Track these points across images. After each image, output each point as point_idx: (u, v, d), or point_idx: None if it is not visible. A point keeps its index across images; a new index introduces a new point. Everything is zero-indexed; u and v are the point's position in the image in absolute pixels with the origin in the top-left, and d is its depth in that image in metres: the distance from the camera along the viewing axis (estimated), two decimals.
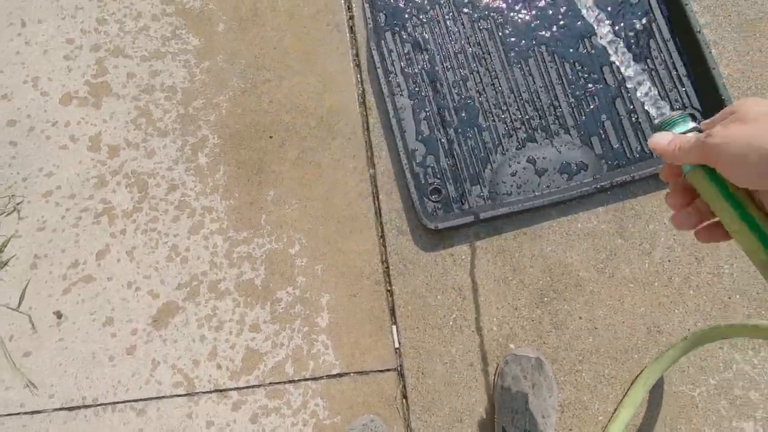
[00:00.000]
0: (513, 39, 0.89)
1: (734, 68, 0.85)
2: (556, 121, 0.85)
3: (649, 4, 0.86)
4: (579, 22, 0.88)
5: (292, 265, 0.89)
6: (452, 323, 0.82)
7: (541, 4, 0.90)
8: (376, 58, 0.89)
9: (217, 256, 0.91)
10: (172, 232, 0.93)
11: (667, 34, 0.85)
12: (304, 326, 0.86)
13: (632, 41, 0.86)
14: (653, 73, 0.84)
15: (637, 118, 0.84)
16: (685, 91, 0.83)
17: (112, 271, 0.92)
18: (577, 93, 0.86)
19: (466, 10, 0.91)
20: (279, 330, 0.87)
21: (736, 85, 0.84)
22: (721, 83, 0.79)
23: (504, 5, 0.91)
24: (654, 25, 0.86)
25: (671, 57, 0.84)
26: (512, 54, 0.88)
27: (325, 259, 0.88)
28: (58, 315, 0.92)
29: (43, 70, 1.01)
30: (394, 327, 0.84)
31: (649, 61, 0.85)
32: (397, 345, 0.84)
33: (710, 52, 0.81)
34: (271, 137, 0.93)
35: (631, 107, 0.84)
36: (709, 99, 0.81)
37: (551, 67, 0.87)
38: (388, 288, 0.86)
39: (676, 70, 0.84)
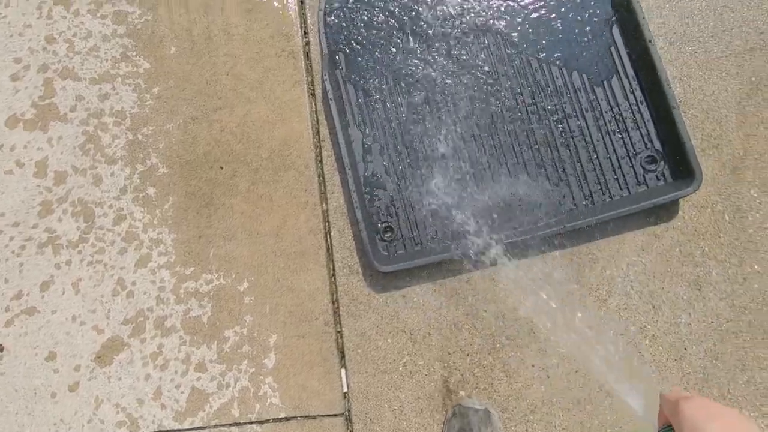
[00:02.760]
0: (473, 73, 0.85)
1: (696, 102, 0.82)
2: (515, 162, 0.82)
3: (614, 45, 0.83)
4: (536, 65, 0.84)
5: (240, 303, 0.86)
6: (402, 368, 0.80)
7: (509, 40, 0.86)
8: (329, 87, 0.85)
9: (164, 291, 0.88)
10: (118, 264, 0.89)
11: (631, 72, 0.82)
12: (251, 367, 0.84)
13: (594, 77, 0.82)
14: (615, 111, 0.81)
15: (599, 163, 0.81)
16: (647, 131, 0.80)
17: (57, 304, 0.89)
18: (538, 135, 0.82)
19: (425, 43, 0.87)
20: (225, 370, 0.84)
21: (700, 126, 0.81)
22: (681, 122, 0.76)
23: (465, 37, 0.87)
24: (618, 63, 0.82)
25: (634, 98, 0.81)
26: (473, 89, 0.85)
27: (273, 297, 0.85)
28: (0, 348, 0.89)
29: None
30: (342, 370, 0.82)
31: (612, 101, 0.81)
32: (345, 389, 0.81)
33: (670, 88, 0.78)
34: (222, 168, 0.90)
35: (594, 154, 0.81)
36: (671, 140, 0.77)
37: (513, 108, 0.84)
38: (338, 329, 0.83)
39: (640, 112, 0.81)
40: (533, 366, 0.78)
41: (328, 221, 0.86)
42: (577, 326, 0.78)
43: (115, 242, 0.90)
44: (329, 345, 0.83)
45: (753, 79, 0.80)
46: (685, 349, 0.76)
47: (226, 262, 0.87)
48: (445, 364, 0.79)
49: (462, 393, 0.78)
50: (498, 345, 0.79)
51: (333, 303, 0.84)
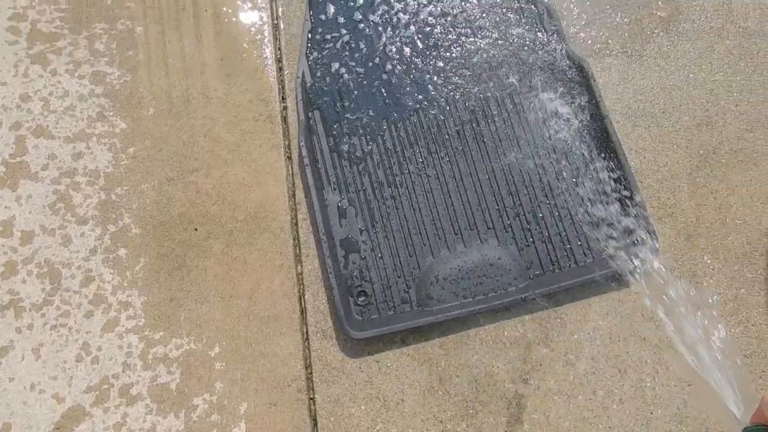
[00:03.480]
0: (445, 139, 0.89)
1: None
2: (486, 227, 0.85)
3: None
4: (512, 131, 0.89)
5: (210, 369, 0.84)
6: None
7: (485, 100, 0.91)
8: (305, 152, 0.87)
9: (131, 356, 0.85)
10: (84, 328, 0.87)
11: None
12: None
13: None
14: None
15: (564, 228, 0.84)
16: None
17: (15, 371, 0.85)
18: (508, 200, 0.86)
19: (402, 110, 0.91)
20: None
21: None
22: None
23: (437, 105, 0.91)
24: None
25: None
26: (443, 155, 0.89)
27: (245, 363, 0.84)
28: None
29: None
30: None
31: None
32: None
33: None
34: (196, 229, 0.90)
35: (558, 217, 0.85)
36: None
37: (483, 172, 0.88)
38: (311, 396, 0.82)
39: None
40: None
41: (302, 284, 0.86)
42: (548, 390, 0.79)
43: (81, 305, 0.88)
44: (302, 413, 0.81)
45: (701, 152, 0.87)
46: (651, 413, 0.78)
47: (198, 326, 0.86)
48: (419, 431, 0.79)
49: None
50: (471, 411, 0.79)
51: (306, 368, 0.83)
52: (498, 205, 0.86)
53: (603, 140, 0.85)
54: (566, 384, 0.80)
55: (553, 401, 0.79)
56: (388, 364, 0.82)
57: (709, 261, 0.83)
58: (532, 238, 0.84)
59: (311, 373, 0.83)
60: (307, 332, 0.84)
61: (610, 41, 0.93)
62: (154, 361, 0.85)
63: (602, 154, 0.86)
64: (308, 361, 0.83)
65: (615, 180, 0.85)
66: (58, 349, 0.86)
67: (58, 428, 0.83)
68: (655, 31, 0.93)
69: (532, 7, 0.94)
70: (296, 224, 0.89)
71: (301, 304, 0.86)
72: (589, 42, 0.94)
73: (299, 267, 0.87)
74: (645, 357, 0.80)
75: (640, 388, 0.79)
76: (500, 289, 0.82)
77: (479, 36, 0.94)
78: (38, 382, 0.85)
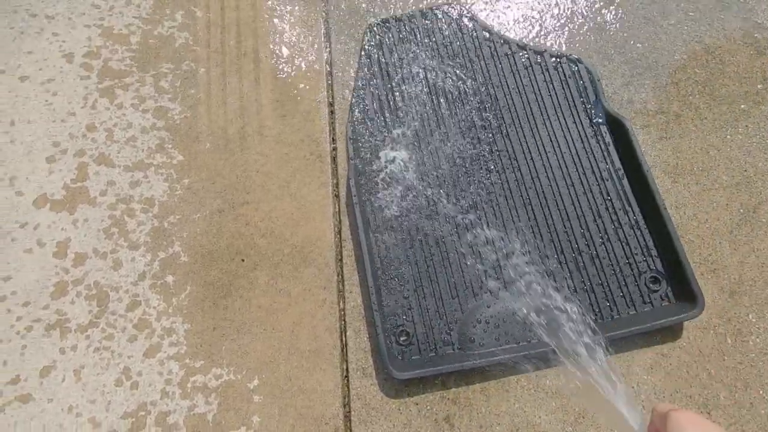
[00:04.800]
0: (488, 186, 0.93)
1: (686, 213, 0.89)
2: (526, 275, 0.86)
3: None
4: (551, 183, 0.92)
5: (248, 402, 0.84)
6: None
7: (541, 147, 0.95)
8: (354, 192, 0.91)
9: (170, 384, 0.86)
10: (126, 353, 0.88)
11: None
12: None
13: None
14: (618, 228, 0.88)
15: (606, 279, 0.85)
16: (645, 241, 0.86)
17: (54, 392, 0.86)
18: (549, 249, 0.88)
19: (450, 151, 0.95)
20: None
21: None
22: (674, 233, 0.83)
23: (489, 141, 0.95)
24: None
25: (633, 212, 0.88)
26: (487, 202, 0.92)
27: (284, 398, 0.84)
28: None
29: (23, 170, 1.00)
30: None
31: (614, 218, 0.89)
32: None
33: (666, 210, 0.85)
34: (243, 260, 0.92)
35: (600, 267, 0.86)
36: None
37: (525, 219, 0.90)
38: None
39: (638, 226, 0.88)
40: None
41: (344, 321, 0.87)
42: None
43: (126, 329, 0.89)
44: None
45: (741, 210, 0.89)
46: None
47: (239, 356, 0.86)
48: None
49: None
50: None
51: (344, 407, 0.83)
52: (540, 253, 0.87)
53: (643, 194, 0.88)
54: None
55: None
56: (428, 407, 0.81)
57: (754, 319, 0.82)
58: (575, 287, 0.85)
59: (349, 412, 0.82)
60: (347, 369, 0.84)
61: (647, 102, 0.98)
62: (192, 390, 0.85)
63: (643, 209, 0.88)
64: (347, 399, 0.83)
65: (656, 234, 0.86)
66: (99, 372, 0.87)
67: None
68: (692, 93, 0.97)
69: (574, 67, 1.00)
70: (341, 260, 0.91)
71: (342, 340, 0.86)
72: (628, 102, 0.98)
73: (342, 303, 0.89)
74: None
75: None
76: (542, 337, 0.82)
77: (519, 93, 0.99)
78: (76, 404, 0.85)
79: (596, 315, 0.83)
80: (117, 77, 1.08)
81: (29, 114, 1.05)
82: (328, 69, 1.07)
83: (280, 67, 1.08)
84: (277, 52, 1.10)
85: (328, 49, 1.09)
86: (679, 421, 0.36)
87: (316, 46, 1.10)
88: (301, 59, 1.08)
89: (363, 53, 1.06)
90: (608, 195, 0.90)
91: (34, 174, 1.00)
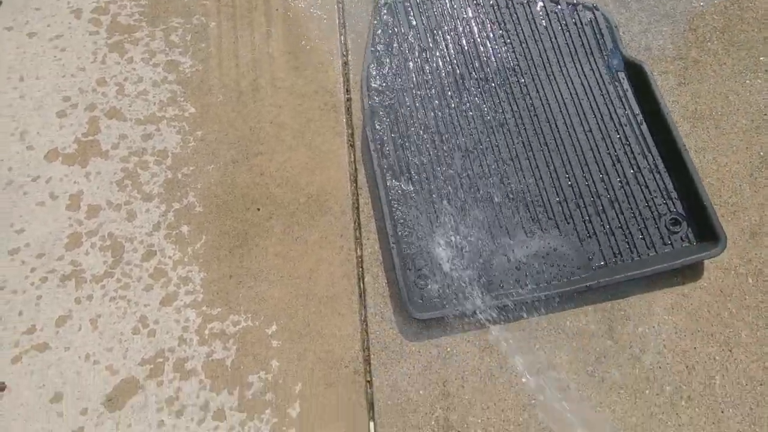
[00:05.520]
0: (508, 131, 0.92)
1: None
2: (548, 216, 0.86)
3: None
4: (571, 129, 0.91)
5: (267, 347, 0.83)
6: (434, 423, 0.77)
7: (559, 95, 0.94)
8: (370, 140, 0.90)
9: (187, 331, 0.85)
10: (142, 301, 0.87)
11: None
12: (274, 417, 0.79)
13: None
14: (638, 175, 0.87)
15: (626, 221, 0.85)
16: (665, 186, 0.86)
17: (71, 341, 0.85)
18: (568, 192, 0.87)
19: (466, 94, 0.94)
20: (246, 420, 0.79)
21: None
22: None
23: (507, 92, 0.94)
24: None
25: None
26: (506, 146, 0.91)
27: (302, 342, 0.83)
28: (1, 387, 0.83)
29: (33, 124, 0.99)
30: (371, 423, 0.78)
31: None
32: None
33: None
34: (258, 210, 0.91)
35: (619, 210, 0.85)
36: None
37: (543, 164, 0.89)
38: (368, 379, 0.80)
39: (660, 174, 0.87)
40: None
41: (362, 267, 0.87)
42: (613, 383, 0.77)
43: (141, 278, 0.89)
44: (358, 396, 0.80)
45: (761, 153, 0.88)
46: (722, 412, 0.75)
47: (256, 303, 0.86)
48: (479, 421, 0.76)
49: None
50: (533, 401, 0.77)
51: (364, 350, 0.82)
52: (559, 197, 0.87)
53: (664, 138, 0.87)
54: (632, 378, 0.77)
55: (618, 395, 0.77)
56: (448, 350, 0.81)
57: None
58: (596, 229, 0.84)
59: (369, 356, 0.82)
60: (365, 314, 0.84)
61: (665, 48, 0.97)
62: (210, 336, 0.85)
63: (663, 153, 0.87)
64: (366, 343, 0.82)
65: (677, 177, 0.85)
66: (116, 321, 0.86)
67: (109, 400, 0.82)
68: (711, 39, 0.96)
69: (591, 15, 0.98)
70: (357, 208, 0.90)
71: (360, 286, 0.86)
72: (645, 48, 0.97)
73: (359, 250, 0.88)
74: (713, 354, 0.78)
75: (710, 385, 0.76)
76: (563, 278, 0.81)
77: (535, 41, 0.98)
78: (93, 352, 0.85)
79: (616, 257, 0.83)
80: (126, 32, 1.06)
81: (38, 70, 1.04)
82: (341, 19, 1.06)
83: (292, 19, 1.07)
84: (288, 4, 1.08)
85: None
86: None
87: None
88: (313, 10, 1.07)
89: (377, 1, 1.04)
90: (627, 140, 0.89)
91: (45, 128, 0.99)
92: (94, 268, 0.90)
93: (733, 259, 0.83)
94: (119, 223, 0.92)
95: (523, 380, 0.78)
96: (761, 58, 0.94)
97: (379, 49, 0.99)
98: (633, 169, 0.87)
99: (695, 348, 0.78)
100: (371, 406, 0.79)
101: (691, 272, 0.82)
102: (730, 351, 0.78)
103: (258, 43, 1.04)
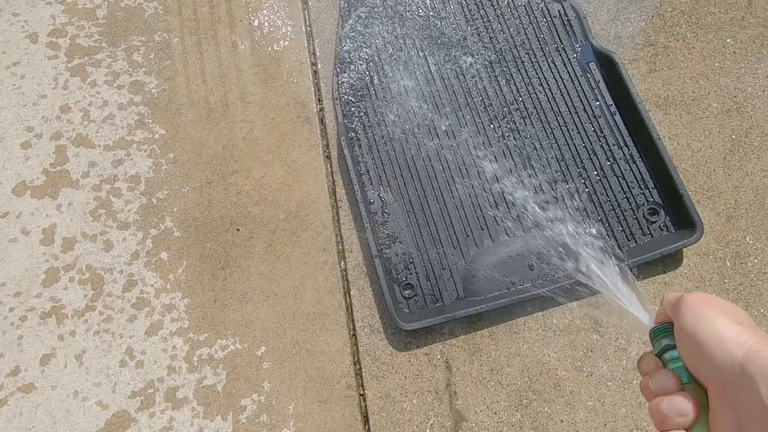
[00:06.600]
0: (483, 130, 0.91)
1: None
2: (527, 215, 0.86)
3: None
4: (545, 123, 0.91)
5: (257, 369, 0.83)
6: (429, 430, 0.77)
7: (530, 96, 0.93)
8: (346, 150, 0.89)
9: (176, 359, 0.84)
10: (127, 333, 0.86)
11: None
12: None
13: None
14: (613, 164, 0.87)
15: (605, 214, 0.85)
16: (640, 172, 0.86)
17: (57, 379, 0.84)
18: (550, 187, 0.87)
19: (437, 96, 0.93)
20: None
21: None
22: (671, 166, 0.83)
23: (482, 91, 0.94)
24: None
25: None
26: (482, 146, 0.90)
27: (293, 362, 0.83)
28: None
29: None
30: None
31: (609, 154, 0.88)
32: None
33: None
34: (238, 230, 0.90)
35: (598, 203, 0.86)
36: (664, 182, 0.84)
37: (533, 156, 0.89)
38: (361, 392, 0.80)
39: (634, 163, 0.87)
40: (562, 421, 0.77)
41: (347, 280, 0.86)
42: (601, 377, 0.78)
43: (124, 309, 0.87)
44: (352, 409, 0.80)
45: (733, 136, 0.89)
46: None
47: (243, 326, 0.85)
48: (473, 424, 0.77)
49: None
50: (525, 401, 0.78)
51: (355, 364, 0.82)
52: (538, 194, 0.87)
53: (636, 127, 0.87)
54: (620, 369, 0.79)
55: (607, 388, 0.78)
56: (438, 357, 0.81)
57: (751, 241, 0.83)
58: (573, 225, 0.85)
59: (360, 369, 0.82)
60: (354, 328, 0.84)
61: (635, 36, 0.97)
62: (199, 363, 0.84)
63: (637, 142, 0.87)
64: (356, 356, 0.82)
65: (651, 165, 0.86)
66: (102, 355, 0.85)
67: None
68: (679, 24, 0.96)
69: (559, 6, 0.98)
70: (338, 221, 0.90)
71: (346, 299, 0.85)
72: (615, 37, 0.97)
73: (343, 263, 0.87)
74: None
75: None
76: (547, 276, 0.82)
77: (505, 37, 0.97)
78: (81, 389, 0.84)
79: (597, 249, 0.83)
80: (87, 54, 1.03)
81: None
82: (308, 27, 1.03)
83: (258, 29, 1.04)
84: (253, 14, 1.05)
85: (305, 6, 1.05)
86: (694, 303, 0.34)
87: (292, 2, 1.06)
88: (278, 19, 1.04)
89: (343, 3, 1.02)
90: (602, 132, 0.89)
91: (10, 161, 0.96)
92: (75, 302, 0.88)
93: (711, 243, 0.84)
94: (96, 255, 0.90)
95: (514, 381, 0.79)
96: (728, 40, 0.94)
97: (348, 54, 0.97)
98: (609, 161, 0.88)
99: None
100: (366, 419, 0.79)
101: (672, 261, 0.83)
102: None
103: (224, 57, 1.01)
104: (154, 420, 0.81)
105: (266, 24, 1.04)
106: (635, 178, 0.86)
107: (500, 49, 0.96)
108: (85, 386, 0.83)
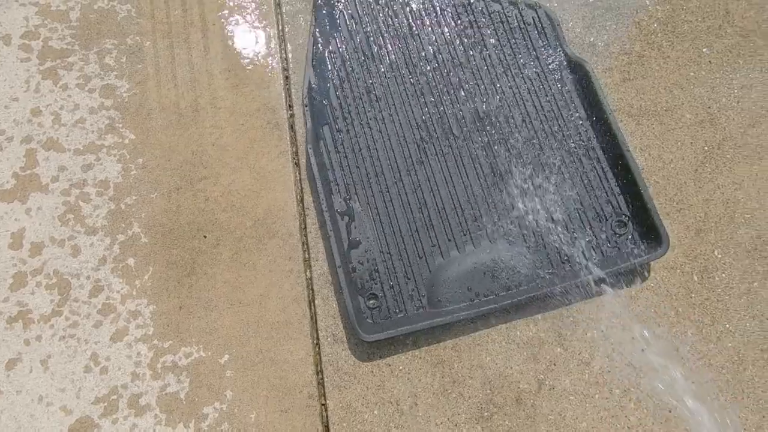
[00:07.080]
0: (450, 141, 0.90)
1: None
2: (494, 227, 0.85)
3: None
4: (515, 132, 0.90)
5: (220, 377, 0.83)
6: None
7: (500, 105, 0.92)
8: (313, 158, 0.88)
9: (140, 366, 0.84)
10: (93, 339, 0.86)
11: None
12: None
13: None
14: (584, 177, 0.86)
15: (573, 227, 0.85)
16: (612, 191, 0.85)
17: (22, 383, 0.84)
18: (518, 198, 0.87)
19: (408, 105, 0.93)
20: None
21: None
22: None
23: (447, 101, 0.93)
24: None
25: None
26: (449, 156, 0.89)
27: (256, 370, 0.83)
28: None
29: None
30: None
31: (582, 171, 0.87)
32: None
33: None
34: (205, 237, 0.90)
35: (566, 216, 0.85)
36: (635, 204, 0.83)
37: (490, 174, 0.88)
38: (323, 402, 0.80)
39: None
40: None
41: (312, 289, 0.86)
42: (563, 390, 0.78)
43: (90, 315, 0.87)
44: (313, 419, 0.80)
45: (705, 148, 0.88)
46: (670, 411, 0.76)
47: (207, 333, 0.85)
48: None
49: None
50: (486, 413, 0.78)
51: (317, 374, 0.82)
52: (506, 205, 0.86)
53: (607, 138, 0.86)
54: (581, 383, 0.78)
55: (569, 401, 0.78)
56: (401, 368, 0.81)
57: (719, 255, 0.82)
58: (541, 236, 0.84)
59: (322, 379, 0.81)
60: (317, 337, 0.84)
61: (610, 44, 0.95)
62: (163, 370, 0.84)
63: (607, 153, 0.86)
64: (319, 366, 0.82)
65: (621, 178, 0.85)
66: (67, 361, 0.85)
67: None
68: (655, 32, 0.95)
69: (533, 13, 0.96)
70: (305, 229, 0.89)
71: (311, 308, 0.85)
72: (590, 45, 0.96)
73: (309, 272, 0.87)
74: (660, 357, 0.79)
75: (657, 387, 0.77)
76: (511, 289, 0.81)
77: (480, 39, 0.96)
78: (46, 394, 0.84)
79: (564, 261, 0.83)
80: (59, 57, 1.02)
81: None
82: (281, 32, 1.02)
83: (230, 35, 1.03)
84: (226, 19, 1.04)
85: (278, 11, 1.04)
86: None
87: (265, 8, 1.05)
88: (250, 25, 1.04)
89: (315, 10, 1.01)
90: (572, 142, 0.88)
91: None
92: (41, 307, 0.88)
93: (679, 257, 0.83)
94: (64, 260, 0.90)
95: (476, 393, 0.79)
96: (704, 50, 0.93)
97: (319, 61, 0.97)
98: (579, 172, 0.87)
99: (643, 350, 0.79)
100: (327, 429, 0.79)
101: (639, 273, 0.83)
102: (677, 351, 0.79)
103: (196, 62, 1.01)
104: (116, 426, 0.81)
105: (238, 28, 1.03)
106: (604, 190, 0.85)
107: (473, 56, 0.95)
108: (49, 391, 0.84)
